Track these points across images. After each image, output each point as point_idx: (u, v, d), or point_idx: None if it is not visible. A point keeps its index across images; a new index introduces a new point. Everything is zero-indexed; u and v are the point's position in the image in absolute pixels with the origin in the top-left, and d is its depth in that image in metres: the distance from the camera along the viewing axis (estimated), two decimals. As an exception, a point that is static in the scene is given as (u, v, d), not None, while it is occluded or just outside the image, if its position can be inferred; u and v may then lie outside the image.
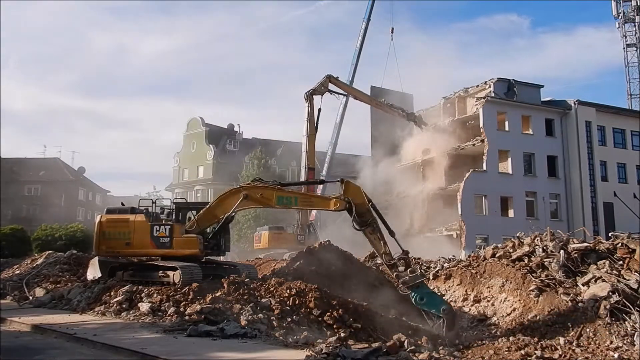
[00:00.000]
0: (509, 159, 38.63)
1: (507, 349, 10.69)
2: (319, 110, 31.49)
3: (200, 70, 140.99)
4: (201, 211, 15.94)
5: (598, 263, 13.20)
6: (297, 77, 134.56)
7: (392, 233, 14.51)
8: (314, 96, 31.84)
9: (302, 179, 31.72)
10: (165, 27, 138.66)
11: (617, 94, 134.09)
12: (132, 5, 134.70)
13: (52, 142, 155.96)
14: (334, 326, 11.61)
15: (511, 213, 38.16)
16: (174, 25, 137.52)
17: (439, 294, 15.78)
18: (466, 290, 14.94)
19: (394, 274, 14.09)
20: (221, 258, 18.15)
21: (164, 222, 16.12)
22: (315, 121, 31.97)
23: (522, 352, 10.25)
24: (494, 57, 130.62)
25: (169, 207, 17.01)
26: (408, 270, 13.82)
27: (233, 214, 15.78)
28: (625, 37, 63.79)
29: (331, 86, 33.34)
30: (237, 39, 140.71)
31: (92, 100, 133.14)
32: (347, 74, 40.47)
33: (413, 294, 13.46)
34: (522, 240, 15.56)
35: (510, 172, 38.52)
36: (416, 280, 13.63)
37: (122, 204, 17.79)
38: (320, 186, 37.00)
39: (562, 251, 13.78)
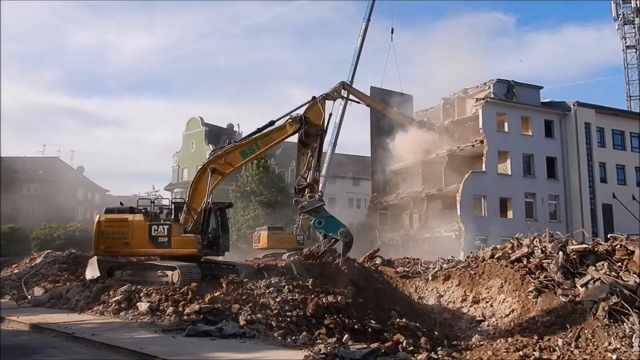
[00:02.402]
0: (508, 160, 38.65)
1: (505, 350, 10.69)
2: (330, 115, 31.66)
3: (186, 68, 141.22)
4: (184, 207, 15.99)
5: (597, 264, 13.20)
6: (286, 75, 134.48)
7: (318, 169, 16.11)
8: (326, 101, 31.92)
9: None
10: (145, 25, 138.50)
11: (605, 93, 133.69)
12: (109, 3, 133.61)
13: (40, 140, 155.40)
14: (333, 327, 11.59)
15: (510, 214, 38.18)
16: (154, 22, 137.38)
17: (438, 294, 15.80)
18: (465, 291, 14.94)
19: (294, 199, 15.63)
20: (220, 258, 18.12)
21: (162, 221, 16.08)
22: (325, 125, 32.11)
23: (521, 353, 10.26)
24: (480, 56, 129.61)
25: (167, 207, 16.99)
26: (308, 196, 15.08)
27: (211, 196, 16.00)
28: (625, 39, 63.80)
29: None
30: (221, 36, 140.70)
31: (78, 99, 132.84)
32: (347, 74, 40.53)
33: (312, 218, 14.86)
34: (521, 242, 15.56)
35: (509, 173, 38.53)
36: (314, 205, 14.93)
37: (121, 203, 17.69)
38: (321, 184, 36.99)
39: (560, 252, 13.78)
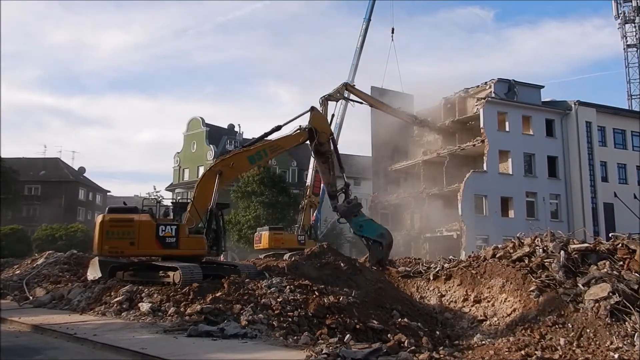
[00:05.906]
0: (510, 160, 38.67)
1: (507, 350, 10.67)
2: (332, 116, 31.75)
3: (165, 66, 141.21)
4: (188, 207, 15.99)
5: (598, 264, 13.19)
6: (267, 73, 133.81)
7: (342, 169, 16.50)
8: (329, 102, 32.05)
9: (309, 181, 31.87)
10: (120, 21, 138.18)
11: (593, 89, 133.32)
12: (80, 2, 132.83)
13: (28, 140, 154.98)
14: (334, 327, 11.59)
15: (511, 213, 38.18)
16: (128, 19, 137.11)
17: (439, 294, 15.80)
18: (466, 291, 14.93)
19: (333, 205, 15.92)
20: (221, 258, 18.11)
21: (170, 221, 16.07)
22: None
23: (523, 352, 10.23)
24: (460, 53, 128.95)
25: (170, 207, 17.04)
26: (345, 202, 15.50)
27: (217, 198, 15.93)
28: (626, 38, 63.85)
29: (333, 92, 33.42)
30: (196, 34, 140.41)
31: (61, 98, 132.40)
32: (347, 74, 40.49)
33: (352, 223, 15.21)
34: (522, 241, 15.55)
35: (510, 172, 38.55)
36: (353, 209, 15.35)
37: (124, 203, 17.69)
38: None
39: (562, 252, 13.77)
